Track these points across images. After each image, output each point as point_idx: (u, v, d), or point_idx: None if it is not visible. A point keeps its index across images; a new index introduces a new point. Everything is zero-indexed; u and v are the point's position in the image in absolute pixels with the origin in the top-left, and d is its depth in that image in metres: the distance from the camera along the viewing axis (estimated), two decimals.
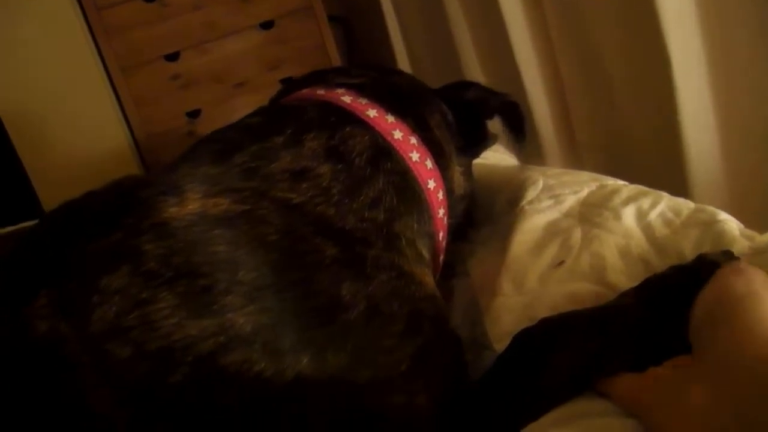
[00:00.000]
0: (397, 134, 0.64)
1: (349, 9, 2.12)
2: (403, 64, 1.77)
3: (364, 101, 0.65)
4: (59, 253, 0.47)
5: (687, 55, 0.91)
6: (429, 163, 0.65)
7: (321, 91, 0.67)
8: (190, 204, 0.49)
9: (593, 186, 0.74)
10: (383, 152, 0.62)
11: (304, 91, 0.70)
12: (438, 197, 0.65)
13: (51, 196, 1.63)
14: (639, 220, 0.64)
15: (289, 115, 0.63)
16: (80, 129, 1.71)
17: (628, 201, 0.67)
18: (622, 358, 0.47)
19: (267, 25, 1.78)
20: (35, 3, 1.62)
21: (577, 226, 0.68)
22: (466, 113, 0.76)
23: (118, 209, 0.49)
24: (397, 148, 0.63)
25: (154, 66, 1.73)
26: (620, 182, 0.74)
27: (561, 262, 0.64)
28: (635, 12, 0.94)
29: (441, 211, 0.66)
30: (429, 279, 0.59)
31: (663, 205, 0.64)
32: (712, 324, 0.40)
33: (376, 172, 0.60)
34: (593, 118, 1.18)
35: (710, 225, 0.57)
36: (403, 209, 0.60)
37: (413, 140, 0.65)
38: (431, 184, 0.64)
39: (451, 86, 0.81)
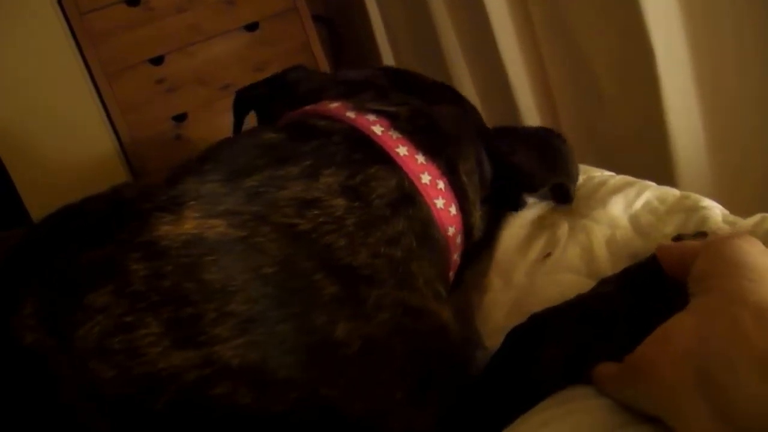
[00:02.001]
0: (425, 178, 0.60)
1: (333, 9, 2.12)
2: (388, 63, 1.77)
3: (395, 135, 0.61)
4: (49, 259, 0.47)
5: (671, 48, 0.92)
6: (453, 210, 0.62)
7: (351, 114, 0.62)
8: (186, 223, 0.47)
9: (580, 178, 0.74)
10: (407, 198, 0.58)
11: (334, 106, 0.65)
12: (456, 243, 0.63)
13: (37, 203, 1.62)
14: (625, 210, 0.64)
15: (313, 139, 0.58)
16: (66, 135, 1.69)
17: (614, 191, 0.68)
18: (610, 344, 0.47)
19: (252, 27, 1.77)
20: (16, 9, 1.60)
21: (564, 219, 0.68)
22: (507, 178, 0.69)
23: (113, 221, 0.48)
24: (423, 194, 0.59)
25: (138, 70, 1.72)
26: (607, 173, 0.75)
27: (548, 254, 0.64)
28: (619, 6, 0.95)
29: (456, 255, 0.63)
30: (445, 312, 0.56)
31: (649, 194, 0.64)
32: (713, 275, 0.40)
33: (397, 215, 0.56)
34: (579, 113, 1.19)
35: (694, 211, 0.58)
36: (421, 254, 0.57)
37: (441, 185, 0.61)
38: (451, 231, 0.61)
39: (504, 133, 0.72)
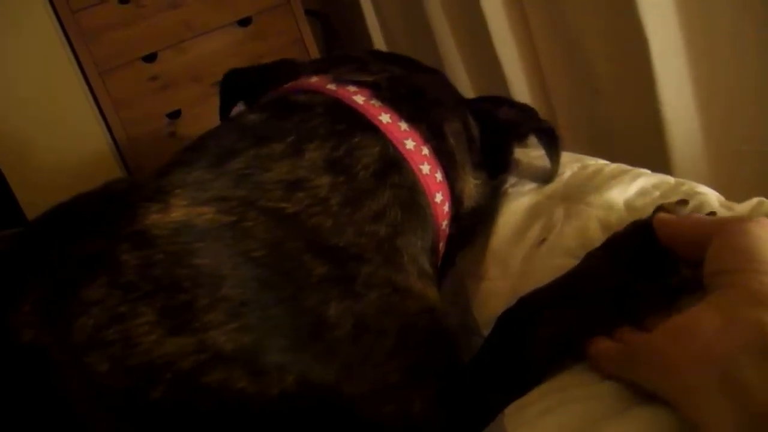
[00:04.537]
0: (409, 144, 0.60)
1: (326, 3, 2.11)
2: None
3: (377, 103, 0.61)
4: (45, 257, 0.47)
5: (665, 37, 0.92)
6: (439, 176, 0.62)
7: (332, 86, 0.63)
8: (174, 211, 0.48)
9: (575, 167, 0.74)
10: (392, 165, 0.58)
11: (314, 80, 0.65)
12: (444, 210, 0.63)
13: (32, 202, 1.61)
14: (620, 195, 0.64)
15: (295, 115, 0.59)
16: (59, 133, 1.69)
17: (610, 179, 0.68)
18: (599, 319, 0.47)
19: (244, 22, 1.76)
20: (8, 8, 1.60)
21: (559, 206, 0.68)
22: (494, 133, 0.72)
23: (103, 214, 0.49)
24: (408, 160, 0.60)
25: (131, 68, 1.71)
26: (602, 161, 0.75)
27: (543, 240, 0.64)
28: None
29: (444, 223, 0.63)
30: (431, 292, 0.57)
31: (644, 181, 0.64)
32: (732, 270, 0.39)
33: (382, 186, 0.57)
34: (574, 103, 1.19)
35: (690, 197, 0.58)
36: (408, 225, 0.57)
37: (425, 151, 0.61)
38: (438, 198, 0.62)
39: (484, 99, 0.76)
